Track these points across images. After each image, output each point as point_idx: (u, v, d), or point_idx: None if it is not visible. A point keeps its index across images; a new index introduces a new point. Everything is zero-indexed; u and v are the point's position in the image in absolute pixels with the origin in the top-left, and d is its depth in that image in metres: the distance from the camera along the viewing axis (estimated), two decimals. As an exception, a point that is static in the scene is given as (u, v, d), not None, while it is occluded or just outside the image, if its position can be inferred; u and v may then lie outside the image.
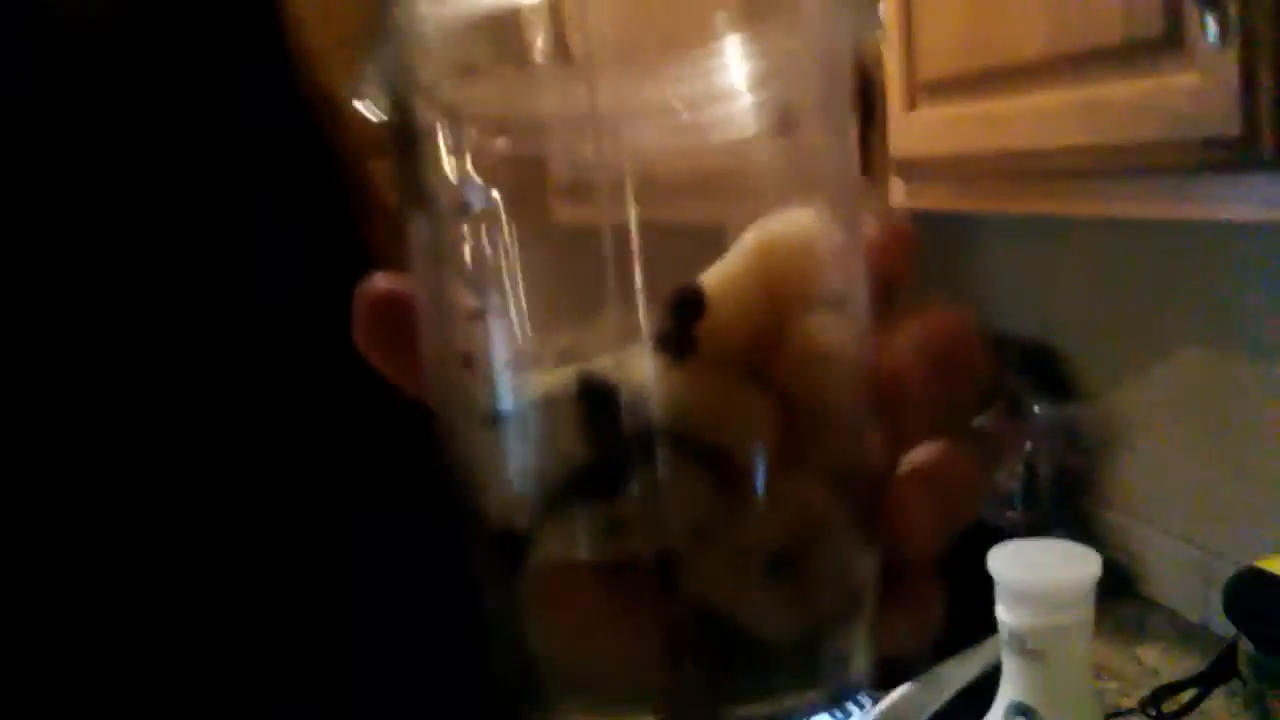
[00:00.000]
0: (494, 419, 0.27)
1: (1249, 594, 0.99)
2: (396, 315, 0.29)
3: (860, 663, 0.28)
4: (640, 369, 0.26)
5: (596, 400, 0.26)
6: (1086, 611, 0.79)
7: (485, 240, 0.27)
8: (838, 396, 0.28)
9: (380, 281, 0.29)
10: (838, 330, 0.28)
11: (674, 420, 0.26)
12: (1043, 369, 1.65)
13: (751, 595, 0.26)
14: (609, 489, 0.26)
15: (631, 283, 0.25)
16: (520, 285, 0.27)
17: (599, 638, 0.26)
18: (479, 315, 0.27)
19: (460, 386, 0.28)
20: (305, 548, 0.38)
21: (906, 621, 0.30)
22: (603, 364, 0.26)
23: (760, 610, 0.26)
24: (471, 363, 0.27)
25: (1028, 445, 1.61)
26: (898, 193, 1.31)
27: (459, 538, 0.28)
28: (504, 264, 0.27)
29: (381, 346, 0.30)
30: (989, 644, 0.82)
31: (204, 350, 0.37)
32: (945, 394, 0.30)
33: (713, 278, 0.26)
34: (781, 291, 0.27)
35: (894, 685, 0.97)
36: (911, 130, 1.26)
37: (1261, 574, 1.02)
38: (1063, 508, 1.61)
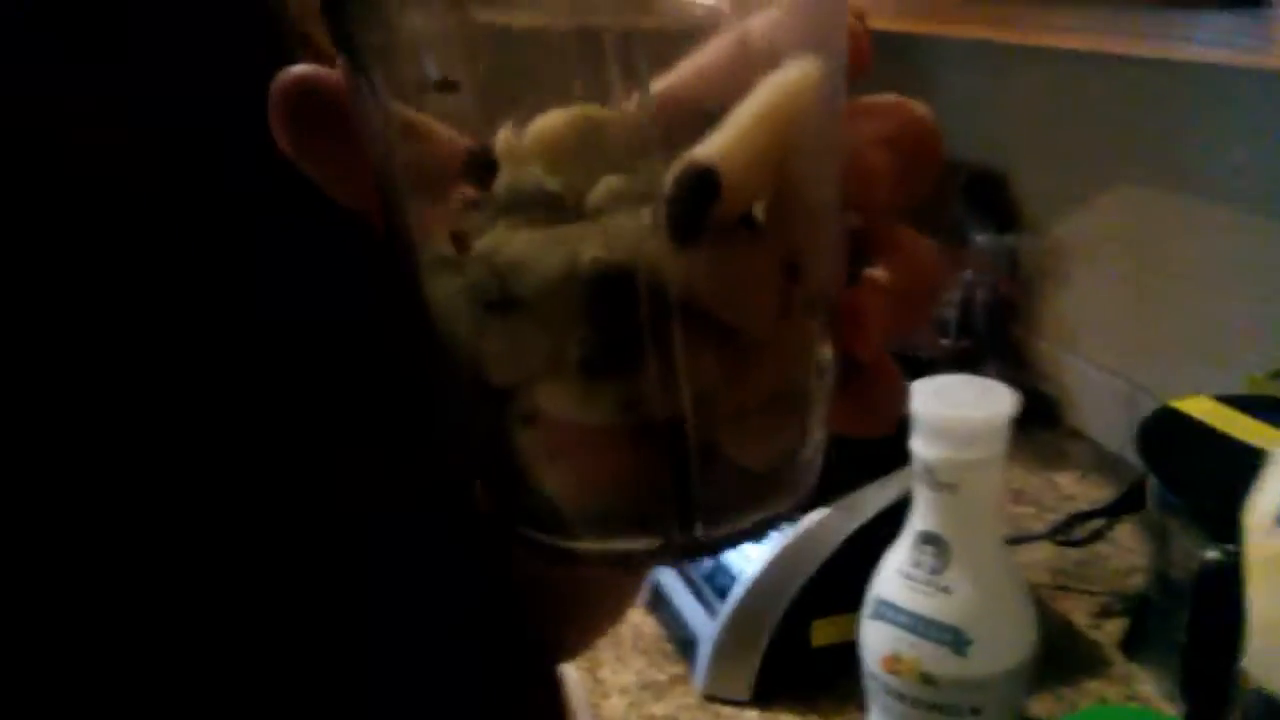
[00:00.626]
0: (500, 305, 0.27)
1: (1161, 433, 1.01)
2: (319, 103, 0.27)
3: (817, 468, 0.31)
4: (650, 247, 0.25)
5: (613, 289, 0.25)
6: (999, 448, 0.81)
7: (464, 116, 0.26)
8: (827, 234, 0.29)
9: (296, 69, 0.27)
10: (827, 173, 0.28)
11: (689, 296, 0.26)
12: (985, 197, 1.64)
13: (748, 435, 0.28)
14: (624, 369, 0.26)
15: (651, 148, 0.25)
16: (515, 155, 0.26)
17: (609, 482, 0.28)
18: (472, 202, 0.26)
19: (451, 267, 0.27)
20: (320, 548, 0.37)
21: (878, 403, 0.32)
22: (610, 231, 0.25)
23: (754, 445, 0.28)
24: (464, 244, 0.27)
25: (966, 273, 1.62)
26: None
27: (467, 521, 0.28)
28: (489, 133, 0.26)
29: (306, 141, 0.28)
30: (906, 471, 0.84)
31: (210, 344, 0.36)
32: (908, 188, 0.30)
33: (725, 148, 0.26)
34: (791, 156, 0.27)
35: (811, 509, 1.00)
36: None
37: (1175, 414, 1.04)
38: (996, 336, 1.63)
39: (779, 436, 0.29)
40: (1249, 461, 0.70)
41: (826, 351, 0.30)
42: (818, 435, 0.30)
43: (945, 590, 0.82)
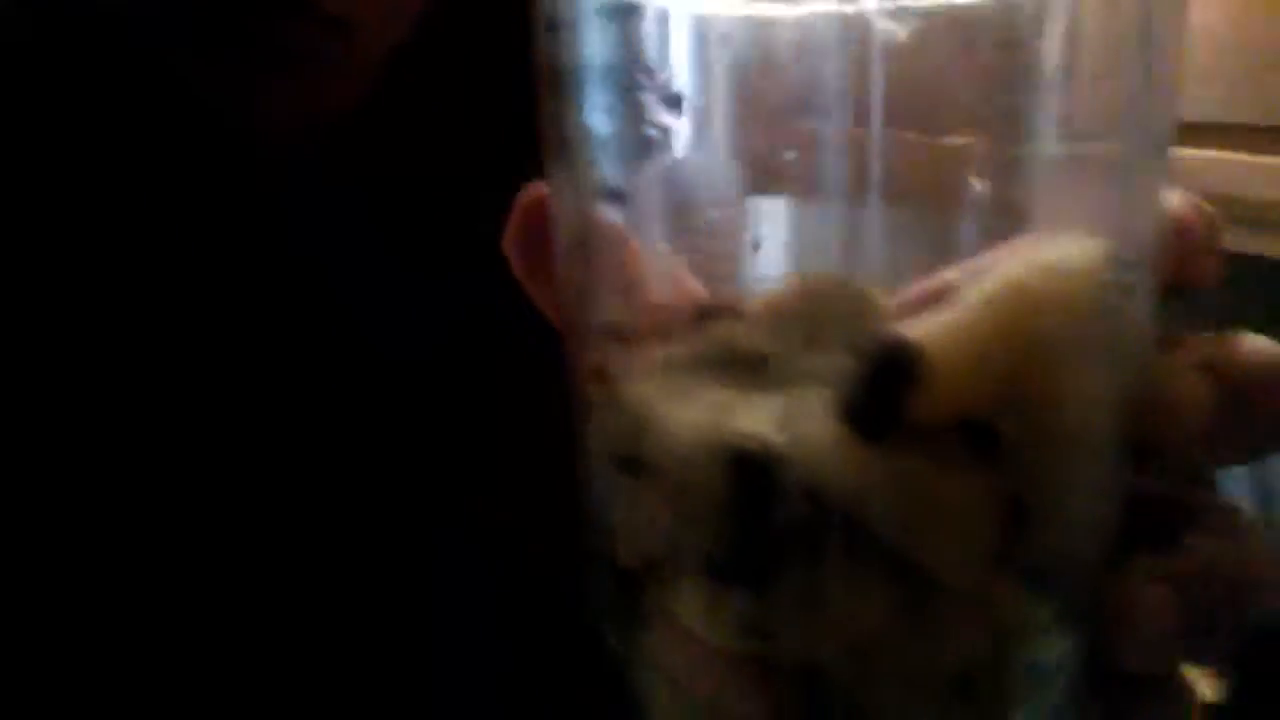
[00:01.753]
0: (627, 464, 0.22)
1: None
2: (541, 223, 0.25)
3: None
4: (817, 435, 0.20)
5: (748, 474, 0.20)
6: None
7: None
8: (1086, 478, 0.22)
9: (536, 188, 0.25)
10: (1099, 394, 0.22)
11: (856, 511, 0.20)
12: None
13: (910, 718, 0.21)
14: (748, 584, 0.21)
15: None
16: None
17: None
18: (616, 330, 0.22)
19: (591, 406, 0.23)
20: (385, 562, 0.37)
21: None
22: (769, 419, 0.20)
23: None
24: (605, 379, 0.22)
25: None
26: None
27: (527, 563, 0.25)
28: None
29: (525, 259, 0.26)
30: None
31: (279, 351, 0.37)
32: (1239, 443, 0.23)
33: (939, 328, 0.20)
34: (1038, 358, 0.20)
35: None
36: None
37: None
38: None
39: None
40: None
41: (1056, 644, 0.23)
42: None
43: None
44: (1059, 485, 0.21)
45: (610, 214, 0.22)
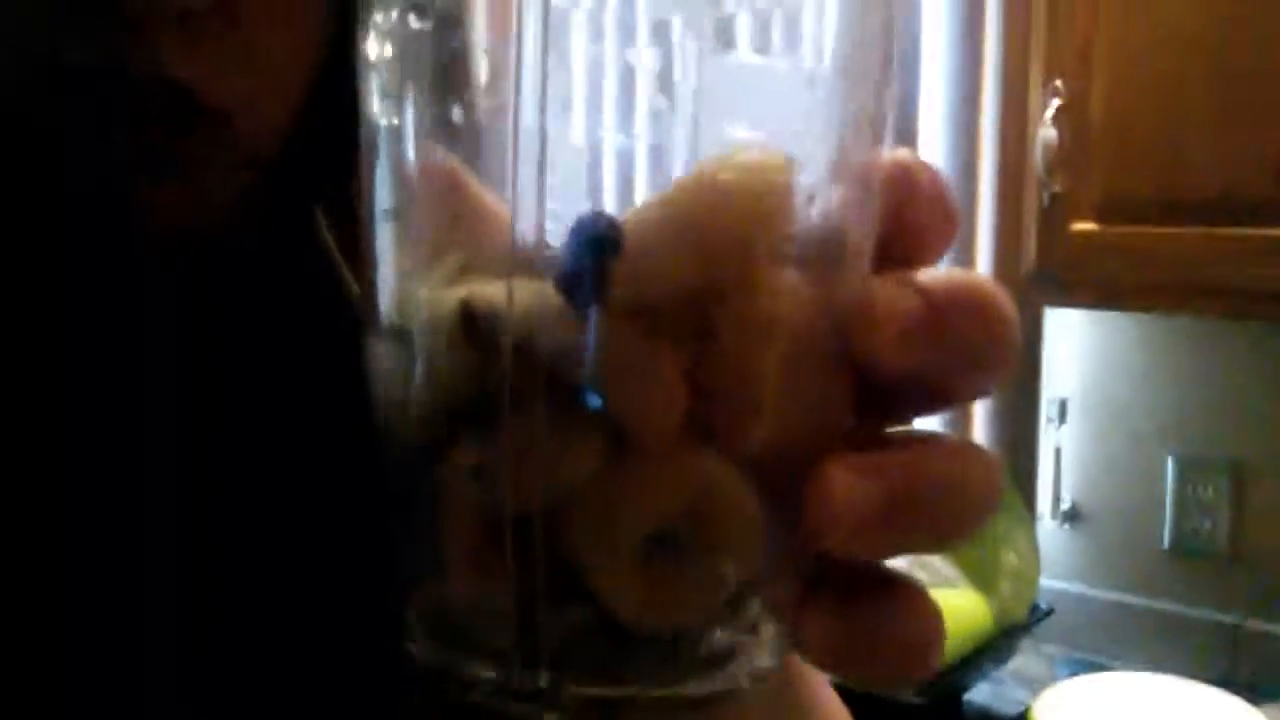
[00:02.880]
0: (386, 333, 0.25)
1: None
2: None
3: (755, 668, 0.25)
4: (535, 300, 0.22)
5: (475, 332, 0.23)
6: None
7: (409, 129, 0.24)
8: (779, 375, 0.24)
9: None
10: (795, 296, 0.24)
11: (563, 371, 0.22)
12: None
13: (616, 576, 0.23)
14: (475, 429, 0.23)
15: (541, 196, 0.22)
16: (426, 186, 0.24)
17: (455, 577, 0.25)
18: (388, 215, 0.25)
19: (367, 293, 0.25)
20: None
21: (882, 638, 0.25)
22: (495, 290, 0.22)
23: (623, 594, 0.23)
24: (375, 268, 0.25)
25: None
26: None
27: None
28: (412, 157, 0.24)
29: None
30: None
31: None
32: (945, 361, 0.25)
33: (639, 215, 0.23)
34: (724, 247, 0.23)
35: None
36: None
37: None
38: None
39: (664, 593, 0.24)
40: None
41: (775, 535, 0.24)
42: (748, 620, 0.25)
43: None
44: (752, 371, 0.23)
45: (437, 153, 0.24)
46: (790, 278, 0.24)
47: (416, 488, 0.25)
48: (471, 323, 0.22)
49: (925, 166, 0.26)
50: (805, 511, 0.24)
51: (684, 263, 0.23)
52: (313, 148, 0.34)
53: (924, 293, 0.24)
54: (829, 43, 0.24)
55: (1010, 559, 1.55)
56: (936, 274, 0.25)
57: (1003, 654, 1.63)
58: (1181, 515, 1.73)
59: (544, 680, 0.23)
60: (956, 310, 0.24)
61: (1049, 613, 1.73)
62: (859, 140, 0.25)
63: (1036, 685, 1.46)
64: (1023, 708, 1.36)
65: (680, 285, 0.23)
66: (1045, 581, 1.77)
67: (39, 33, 0.31)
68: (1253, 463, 1.67)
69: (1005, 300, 0.25)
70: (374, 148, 0.25)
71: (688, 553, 0.24)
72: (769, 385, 0.24)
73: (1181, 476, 1.72)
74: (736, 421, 0.23)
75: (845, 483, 0.24)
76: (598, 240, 0.22)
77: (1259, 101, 1.30)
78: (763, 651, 0.25)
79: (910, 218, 0.25)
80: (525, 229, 0.22)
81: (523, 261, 0.22)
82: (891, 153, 0.25)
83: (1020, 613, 1.64)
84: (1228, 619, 1.69)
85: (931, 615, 0.26)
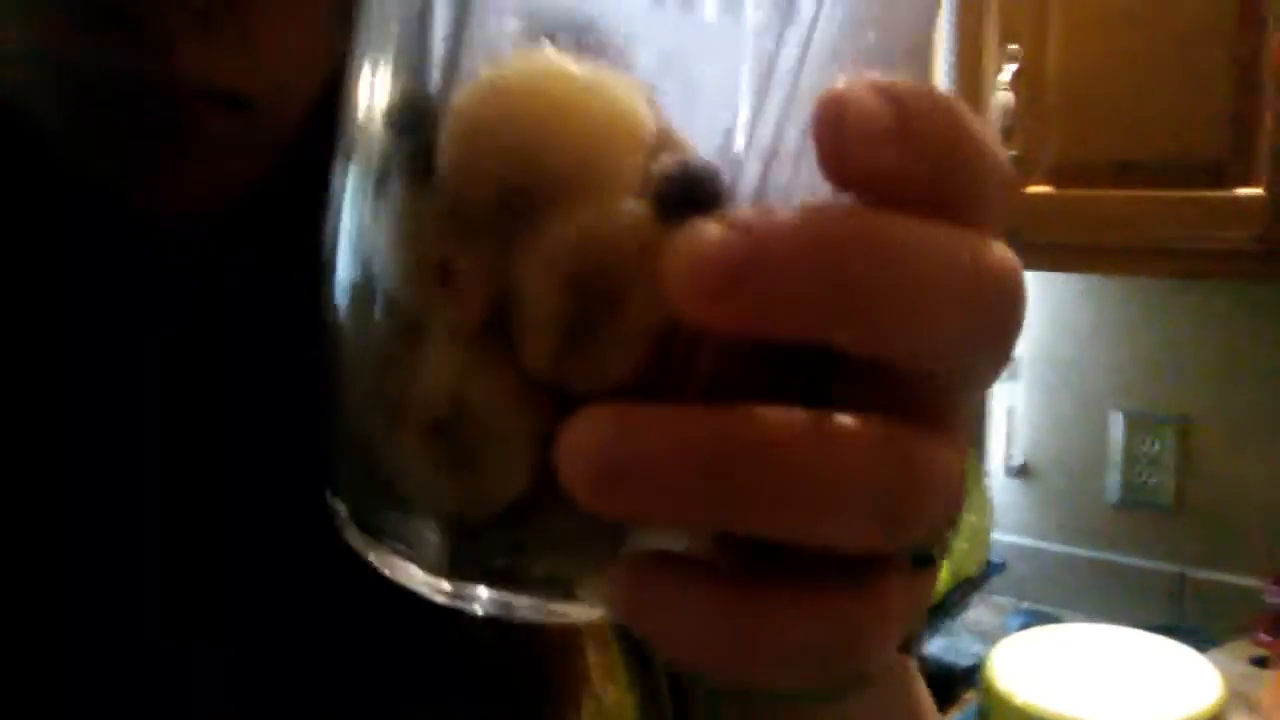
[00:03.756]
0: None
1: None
2: None
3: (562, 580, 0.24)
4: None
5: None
6: None
7: None
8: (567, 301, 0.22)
9: None
10: (628, 230, 0.22)
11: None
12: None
13: (401, 442, 0.24)
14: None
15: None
16: None
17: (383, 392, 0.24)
18: None
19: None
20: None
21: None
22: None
23: (406, 461, 0.24)
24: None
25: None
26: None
27: None
28: None
29: None
30: None
31: None
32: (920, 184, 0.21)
33: (468, 90, 0.23)
34: (555, 158, 0.22)
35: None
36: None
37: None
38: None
39: (441, 478, 0.24)
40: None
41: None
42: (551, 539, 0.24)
43: None
44: (540, 289, 0.22)
45: None
46: (631, 209, 0.22)
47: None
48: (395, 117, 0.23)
49: (863, 90, 0.21)
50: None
51: (506, 143, 0.22)
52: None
53: (895, 99, 0.21)
54: None
55: (964, 515, 1.58)
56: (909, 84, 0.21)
57: (957, 607, 1.66)
58: (1130, 470, 1.77)
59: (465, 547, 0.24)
60: (928, 118, 0.21)
61: (1001, 566, 1.77)
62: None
63: (990, 637, 1.49)
64: (977, 659, 1.39)
65: (506, 170, 0.22)
66: (997, 535, 1.82)
67: (52, 37, 0.31)
68: (1198, 419, 1.71)
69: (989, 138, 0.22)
70: None
71: (463, 433, 0.23)
72: (559, 309, 0.22)
73: (1130, 433, 1.77)
74: (521, 337, 0.23)
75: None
76: (425, 115, 0.23)
77: (1213, 63, 1.33)
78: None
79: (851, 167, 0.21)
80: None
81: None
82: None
83: (973, 567, 1.68)
84: (1174, 569, 1.75)
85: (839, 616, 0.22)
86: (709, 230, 0.20)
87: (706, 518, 0.21)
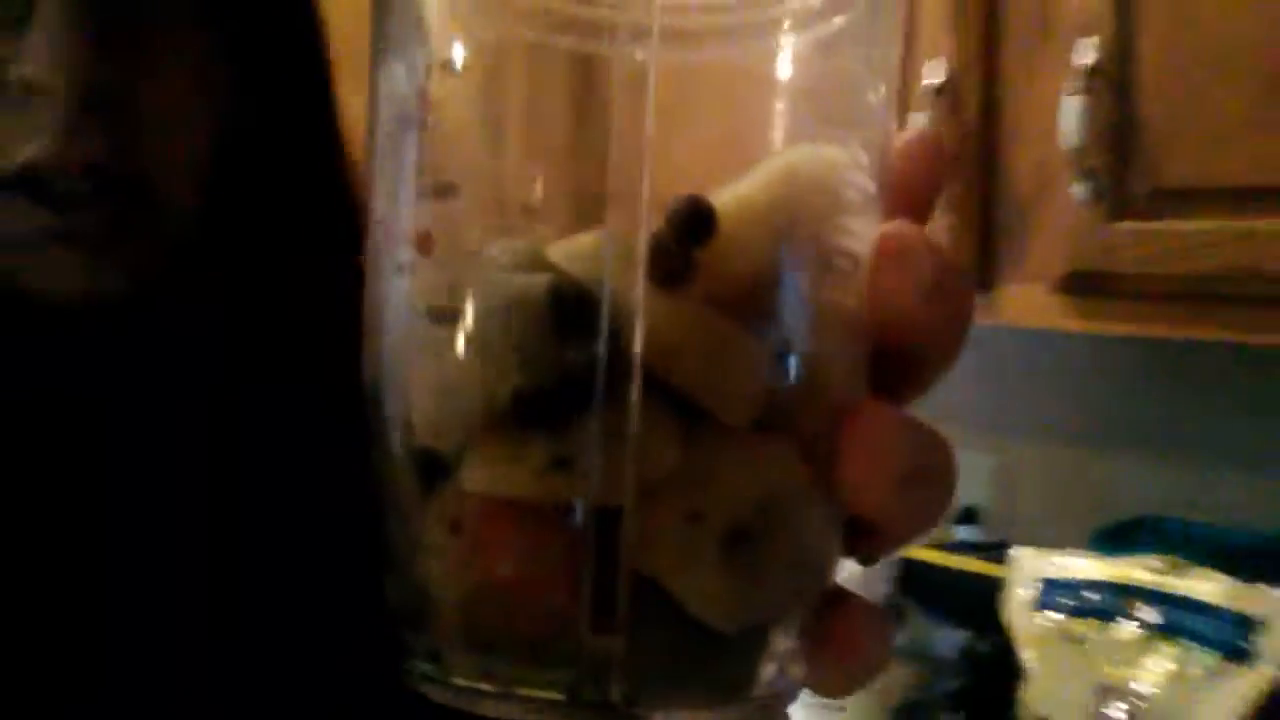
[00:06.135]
0: (445, 315, 0.23)
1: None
2: None
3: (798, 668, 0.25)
4: (625, 287, 0.22)
5: (569, 312, 0.22)
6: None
7: (465, 105, 0.24)
8: (835, 339, 0.25)
9: None
10: (849, 283, 0.25)
11: (655, 356, 0.22)
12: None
13: (700, 571, 0.23)
14: (561, 418, 0.22)
15: (636, 182, 0.22)
16: (504, 162, 0.24)
17: (512, 587, 0.23)
18: (448, 190, 0.23)
19: (406, 271, 0.24)
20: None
21: (839, 638, 0.25)
22: (581, 271, 0.22)
23: (707, 590, 0.23)
24: (429, 245, 0.23)
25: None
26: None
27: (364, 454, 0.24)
28: (485, 134, 0.24)
29: None
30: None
31: None
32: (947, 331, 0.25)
33: (728, 196, 0.23)
34: (799, 231, 0.24)
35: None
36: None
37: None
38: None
39: (747, 586, 0.23)
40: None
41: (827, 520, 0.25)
42: (797, 625, 0.25)
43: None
44: (819, 342, 0.24)
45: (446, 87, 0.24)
46: (842, 263, 0.25)
47: (430, 488, 0.24)
48: (561, 306, 0.22)
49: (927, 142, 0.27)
50: (843, 462, 0.24)
51: (770, 247, 0.23)
52: (232, 222, 0.36)
53: (932, 248, 0.25)
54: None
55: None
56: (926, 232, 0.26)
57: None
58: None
59: (616, 694, 0.22)
60: (954, 264, 0.25)
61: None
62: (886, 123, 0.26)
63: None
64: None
65: (765, 268, 0.23)
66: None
67: None
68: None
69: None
70: (411, 119, 0.24)
71: (764, 545, 0.23)
72: (831, 367, 0.24)
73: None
74: (805, 404, 0.24)
75: (884, 424, 0.24)
76: (692, 220, 0.22)
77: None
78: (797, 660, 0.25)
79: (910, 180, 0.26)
80: (621, 213, 0.22)
81: (619, 246, 0.22)
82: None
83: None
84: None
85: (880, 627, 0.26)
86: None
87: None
